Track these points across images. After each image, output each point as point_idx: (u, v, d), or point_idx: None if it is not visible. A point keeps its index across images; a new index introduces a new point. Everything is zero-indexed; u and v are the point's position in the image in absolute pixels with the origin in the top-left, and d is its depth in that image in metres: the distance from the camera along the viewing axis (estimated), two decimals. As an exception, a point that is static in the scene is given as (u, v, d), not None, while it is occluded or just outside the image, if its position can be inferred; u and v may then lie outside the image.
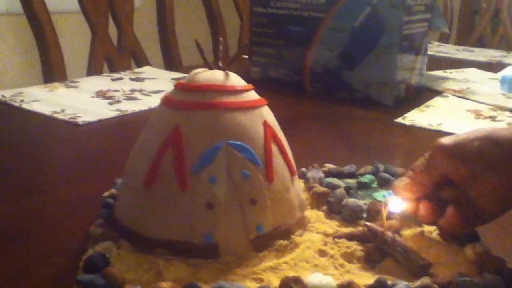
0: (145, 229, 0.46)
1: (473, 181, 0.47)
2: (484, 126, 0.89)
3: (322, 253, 0.48)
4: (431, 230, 0.52)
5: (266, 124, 0.48)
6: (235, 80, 0.49)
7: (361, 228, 0.51)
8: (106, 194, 0.56)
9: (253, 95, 0.49)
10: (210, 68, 0.49)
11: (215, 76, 0.48)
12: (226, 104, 0.47)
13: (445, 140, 0.49)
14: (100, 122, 0.89)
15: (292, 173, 0.50)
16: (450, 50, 1.81)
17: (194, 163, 0.45)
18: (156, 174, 0.46)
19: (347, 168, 0.66)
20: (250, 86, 0.50)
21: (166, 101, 0.49)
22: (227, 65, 0.49)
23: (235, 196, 0.45)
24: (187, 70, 0.59)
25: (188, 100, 0.47)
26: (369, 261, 0.47)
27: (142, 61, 1.41)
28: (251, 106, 0.48)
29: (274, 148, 0.48)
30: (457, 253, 0.48)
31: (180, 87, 0.49)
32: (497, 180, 0.46)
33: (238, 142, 0.46)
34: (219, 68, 0.49)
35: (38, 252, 0.50)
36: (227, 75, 0.49)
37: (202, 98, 0.47)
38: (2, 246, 0.51)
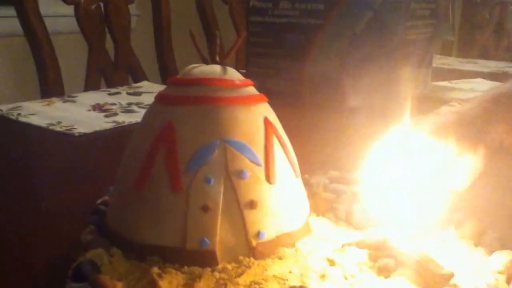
0: (136, 234, 0.43)
1: None
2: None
3: (331, 262, 0.44)
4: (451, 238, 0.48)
5: (266, 121, 0.45)
6: (233, 74, 0.46)
7: (372, 235, 0.48)
8: (99, 201, 0.52)
9: (252, 91, 0.46)
10: (206, 62, 0.46)
11: (212, 69, 0.45)
12: (223, 99, 0.43)
13: None
14: (96, 133, 0.88)
15: (295, 174, 0.47)
16: (454, 62, 1.78)
17: (188, 162, 0.42)
18: (147, 175, 0.42)
19: (354, 175, 0.62)
20: (250, 81, 0.46)
21: (159, 98, 0.46)
22: (225, 59, 0.46)
23: (233, 198, 0.42)
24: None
25: (181, 95, 0.44)
26: (383, 271, 0.43)
27: (139, 76, 1.39)
28: (250, 102, 0.45)
29: (276, 147, 0.45)
30: (481, 261, 0.44)
31: (173, 81, 0.46)
32: None
33: (236, 140, 0.42)
34: (216, 62, 0.46)
35: (27, 260, 0.48)
36: (224, 69, 0.45)
37: (197, 92, 0.44)
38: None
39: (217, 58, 0.46)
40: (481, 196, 0.54)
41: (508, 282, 0.40)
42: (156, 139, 0.43)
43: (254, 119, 0.44)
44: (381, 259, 0.44)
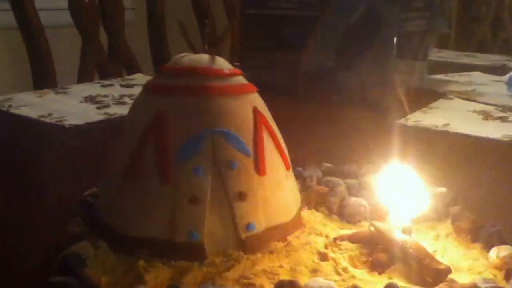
0: (124, 227, 0.42)
1: None
2: (494, 128, 0.86)
3: (323, 256, 0.42)
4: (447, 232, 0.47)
5: (256, 111, 0.44)
6: (222, 63, 0.44)
7: (366, 229, 0.47)
8: (86, 193, 0.51)
9: (241, 80, 0.45)
10: (195, 52, 0.45)
11: (201, 59, 0.44)
12: (212, 88, 0.42)
13: None
14: (87, 125, 0.87)
15: (286, 166, 0.45)
16: (451, 56, 1.77)
17: (177, 153, 0.40)
18: (137, 166, 0.41)
19: (348, 167, 0.61)
20: (238, 70, 0.45)
21: (148, 87, 0.45)
22: (214, 47, 0.45)
23: (222, 190, 0.41)
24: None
25: (170, 85, 0.43)
26: (376, 266, 0.42)
27: (133, 69, 1.38)
28: (239, 92, 0.44)
29: (266, 137, 0.43)
30: (478, 257, 0.43)
31: (162, 70, 0.45)
32: None
33: (225, 130, 0.41)
34: (205, 51, 0.45)
35: (14, 253, 0.47)
36: (213, 58, 0.44)
37: (186, 82, 0.43)
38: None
39: (206, 47, 0.45)
40: (479, 191, 0.53)
41: (506, 278, 0.39)
42: (146, 130, 0.42)
43: (244, 108, 0.43)
44: (374, 254, 0.42)
